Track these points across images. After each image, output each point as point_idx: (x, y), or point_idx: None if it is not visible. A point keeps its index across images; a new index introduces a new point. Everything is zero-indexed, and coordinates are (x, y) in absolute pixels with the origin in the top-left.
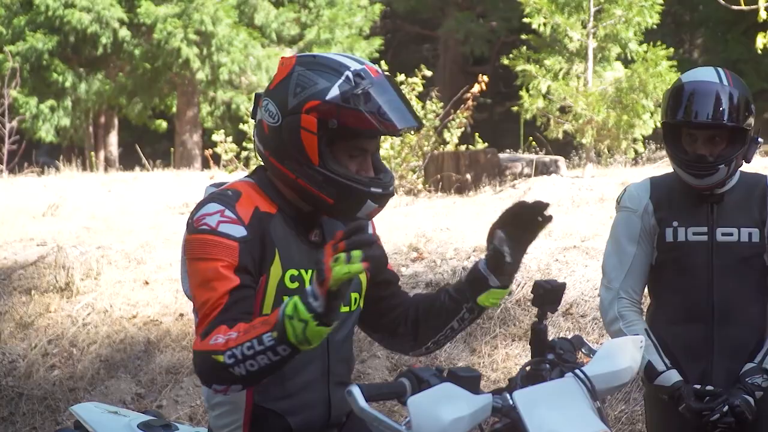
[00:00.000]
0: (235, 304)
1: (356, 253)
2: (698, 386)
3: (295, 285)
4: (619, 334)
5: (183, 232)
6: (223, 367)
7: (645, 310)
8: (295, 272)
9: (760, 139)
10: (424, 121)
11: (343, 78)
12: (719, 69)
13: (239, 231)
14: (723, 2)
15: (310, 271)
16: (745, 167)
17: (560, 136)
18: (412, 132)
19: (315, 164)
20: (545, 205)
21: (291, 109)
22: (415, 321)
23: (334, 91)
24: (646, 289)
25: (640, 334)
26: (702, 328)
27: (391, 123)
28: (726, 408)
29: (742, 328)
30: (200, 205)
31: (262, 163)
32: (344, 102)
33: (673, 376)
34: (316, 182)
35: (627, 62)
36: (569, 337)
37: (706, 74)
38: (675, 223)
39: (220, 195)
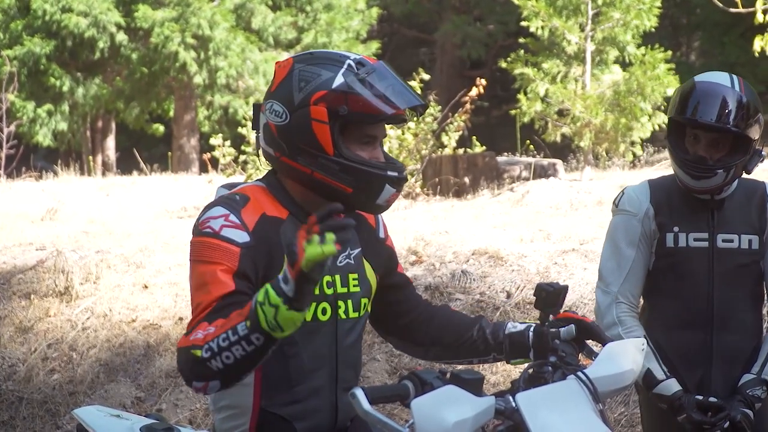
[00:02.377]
0: (224, 308)
1: (330, 236)
2: (700, 397)
3: None
4: (617, 339)
5: (180, 235)
6: (200, 362)
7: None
8: None
9: (764, 153)
10: (422, 125)
11: (345, 66)
12: (734, 76)
13: (242, 236)
14: (720, 5)
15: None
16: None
17: (558, 139)
18: (416, 118)
19: (330, 154)
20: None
21: (298, 104)
22: (437, 341)
23: (339, 79)
24: None
25: None
26: (701, 334)
27: (397, 105)
28: (727, 424)
29: (738, 334)
30: (207, 208)
31: (271, 168)
32: (350, 88)
33: (673, 386)
34: (332, 173)
35: (625, 65)
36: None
37: (719, 77)
38: (676, 229)
39: (227, 199)
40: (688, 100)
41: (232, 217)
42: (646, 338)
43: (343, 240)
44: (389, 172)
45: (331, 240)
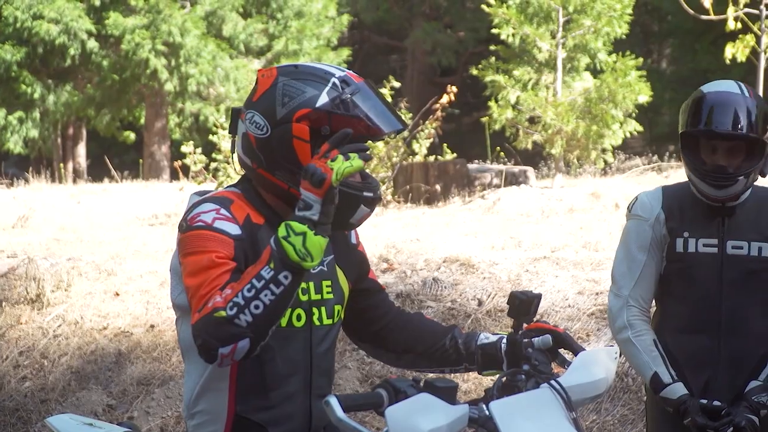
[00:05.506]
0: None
1: (353, 155)
2: (705, 401)
3: None
4: (627, 343)
5: (152, 243)
6: (227, 321)
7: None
8: None
9: None
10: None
11: (330, 85)
12: (739, 82)
13: (234, 229)
14: (692, 12)
15: None
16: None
17: (529, 146)
18: (393, 136)
19: None
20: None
21: (280, 120)
22: (409, 348)
23: (323, 98)
24: None
25: (648, 344)
26: (708, 339)
27: (379, 128)
28: (731, 429)
29: (747, 341)
30: (194, 206)
31: (244, 174)
32: (334, 109)
33: (679, 389)
34: None
35: (596, 72)
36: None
37: (727, 86)
38: (686, 234)
39: (215, 197)
40: (701, 111)
41: (223, 211)
42: (655, 342)
43: (367, 158)
44: (365, 193)
45: (356, 156)
